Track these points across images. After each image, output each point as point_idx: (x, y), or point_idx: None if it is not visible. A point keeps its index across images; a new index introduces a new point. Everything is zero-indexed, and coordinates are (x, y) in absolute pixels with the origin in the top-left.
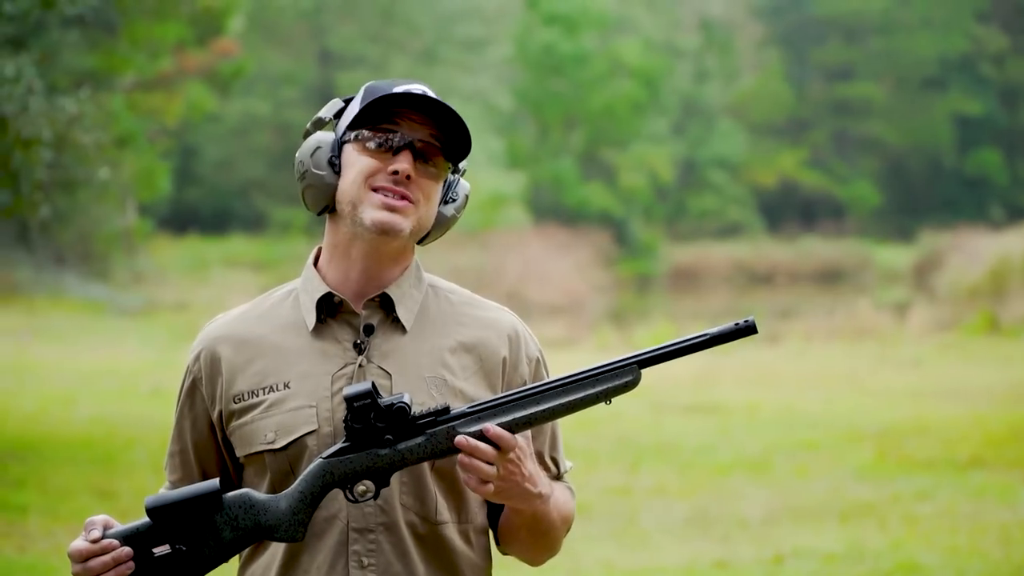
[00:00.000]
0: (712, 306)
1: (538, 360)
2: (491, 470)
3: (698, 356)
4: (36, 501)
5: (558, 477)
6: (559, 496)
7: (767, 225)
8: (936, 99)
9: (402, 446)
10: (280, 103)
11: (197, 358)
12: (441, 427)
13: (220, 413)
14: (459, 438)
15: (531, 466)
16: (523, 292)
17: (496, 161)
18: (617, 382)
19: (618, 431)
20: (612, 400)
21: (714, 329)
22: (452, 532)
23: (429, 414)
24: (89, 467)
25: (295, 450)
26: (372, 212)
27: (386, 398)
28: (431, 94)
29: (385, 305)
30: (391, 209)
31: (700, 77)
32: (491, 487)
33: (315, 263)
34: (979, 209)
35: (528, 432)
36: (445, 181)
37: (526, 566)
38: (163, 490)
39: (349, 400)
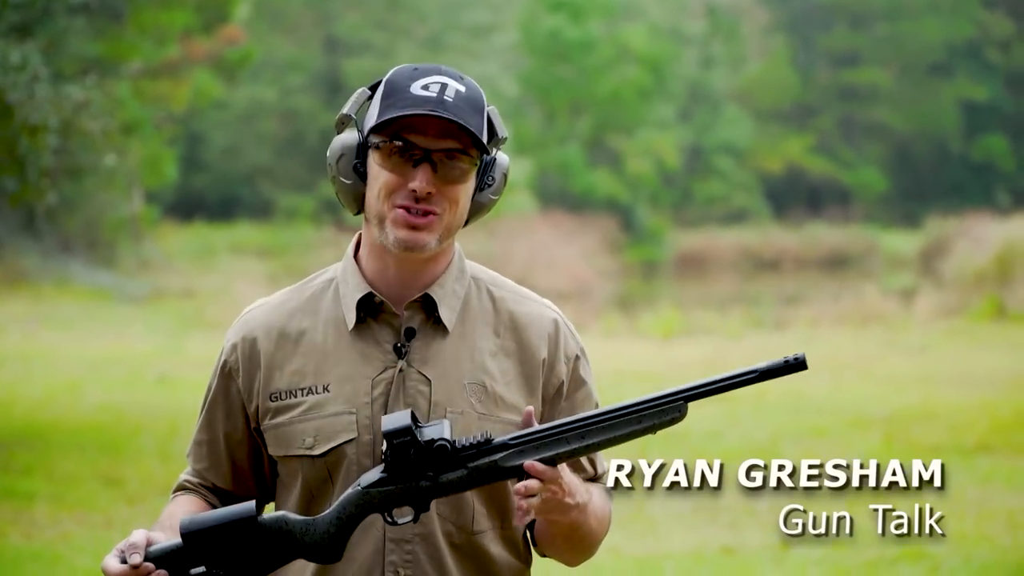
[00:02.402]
0: (719, 292)
1: (577, 357)
2: (535, 501)
3: (706, 343)
4: (43, 488)
5: (595, 478)
6: (596, 501)
7: (773, 211)
8: (942, 85)
9: (443, 479)
10: (286, 90)
11: (235, 348)
12: (483, 460)
13: (256, 408)
14: (518, 486)
15: (568, 478)
16: (530, 278)
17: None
18: (663, 419)
19: None
20: (657, 432)
21: (763, 364)
22: (489, 540)
23: (471, 447)
24: (96, 454)
25: (334, 457)
26: (395, 231)
27: (426, 430)
28: (450, 91)
29: (427, 306)
30: (414, 228)
31: (706, 63)
32: (532, 513)
33: (355, 252)
34: (985, 195)
35: None
36: (481, 165)
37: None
38: (184, 477)
39: (388, 436)
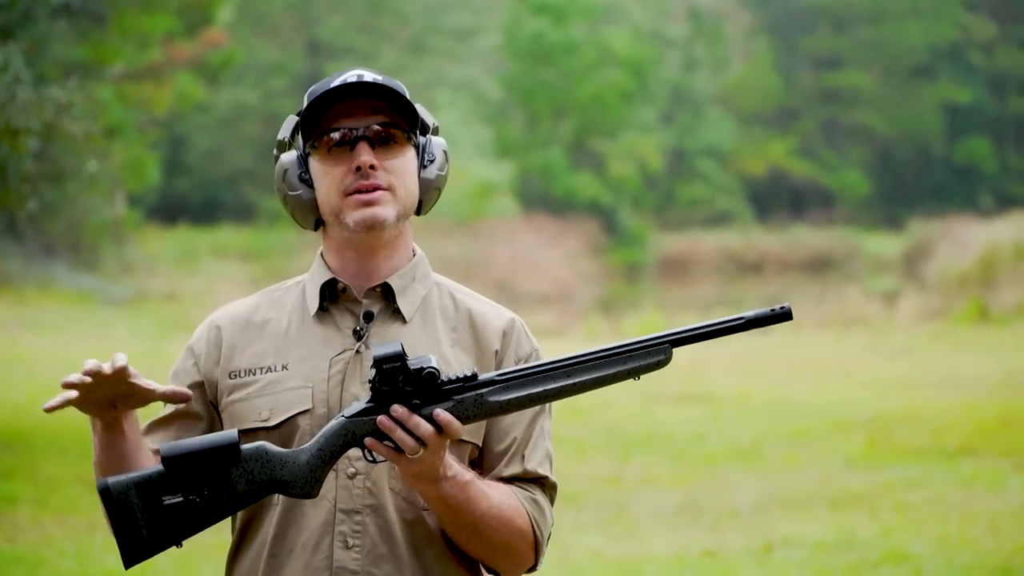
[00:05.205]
0: (701, 295)
1: (529, 357)
2: (414, 445)
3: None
4: (26, 492)
5: (524, 477)
6: (496, 494)
7: (756, 214)
8: (925, 87)
9: (427, 411)
10: (269, 93)
11: (200, 336)
12: (469, 394)
13: (215, 388)
14: (395, 408)
15: (447, 454)
16: (512, 282)
17: (485, 151)
18: (649, 360)
19: (608, 420)
20: (640, 376)
21: (750, 313)
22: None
23: (457, 380)
24: (79, 458)
25: (288, 429)
26: (353, 215)
27: (414, 360)
28: (367, 76)
29: (387, 295)
30: (368, 204)
31: (689, 66)
32: (403, 461)
33: (322, 255)
34: (968, 197)
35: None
36: (417, 148)
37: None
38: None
39: (378, 362)
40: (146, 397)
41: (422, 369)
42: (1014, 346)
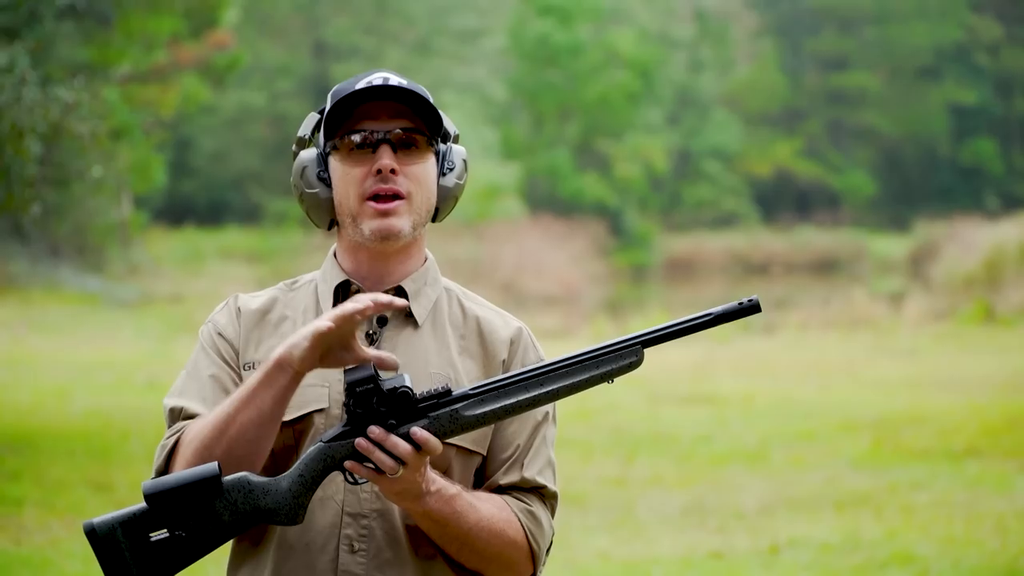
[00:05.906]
0: (707, 296)
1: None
2: (394, 464)
3: (695, 346)
4: (32, 494)
5: (523, 485)
6: (489, 508)
7: (762, 215)
8: (931, 88)
9: (404, 429)
10: (275, 95)
11: (228, 324)
12: (444, 410)
13: (239, 375)
14: (372, 429)
15: (429, 469)
16: (519, 283)
17: (491, 152)
18: (621, 363)
19: (614, 422)
20: (614, 380)
21: (718, 308)
22: None
23: (431, 396)
24: (85, 459)
25: (302, 426)
26: (369, 223)
27: (387, 381)
28: (393, 80)
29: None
30: (385, 214)
31: (695, 67)
32: (384, 481)
33: (335, 255)
34: (974, 198)
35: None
36: (438, 155)
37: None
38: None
39: (351, 385)
40: (358, 357)
41: (395, 389)
42: (1020, 347)
